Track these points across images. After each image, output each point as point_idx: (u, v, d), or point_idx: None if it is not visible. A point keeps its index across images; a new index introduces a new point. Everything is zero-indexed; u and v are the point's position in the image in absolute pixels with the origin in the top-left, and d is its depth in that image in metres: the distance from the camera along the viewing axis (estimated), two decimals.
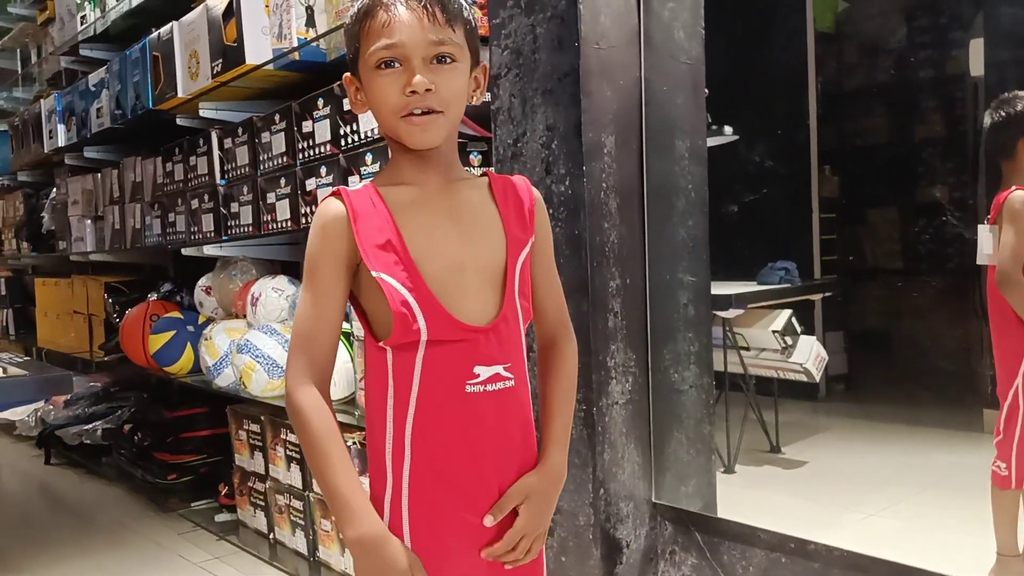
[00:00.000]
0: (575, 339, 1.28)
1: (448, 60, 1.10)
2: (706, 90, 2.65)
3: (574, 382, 1.27)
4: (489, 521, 1.15)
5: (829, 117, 4.68)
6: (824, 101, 4.63)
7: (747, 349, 3.74)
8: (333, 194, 1.14)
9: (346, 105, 2.39)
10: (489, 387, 1.12)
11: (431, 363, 1.10)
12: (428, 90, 1.08)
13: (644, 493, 2.26)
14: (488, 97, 2.22)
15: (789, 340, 3.62)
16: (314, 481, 2.63)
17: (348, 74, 1.18)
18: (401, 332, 1.09)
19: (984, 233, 2.37)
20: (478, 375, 1.11)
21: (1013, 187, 2.24)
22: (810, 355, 3.62)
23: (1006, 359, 2.36)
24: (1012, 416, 2.33)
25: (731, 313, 3.49)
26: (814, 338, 3.69)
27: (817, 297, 4.23)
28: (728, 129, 3.84)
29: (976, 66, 3.81)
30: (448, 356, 1.10)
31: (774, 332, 3.61)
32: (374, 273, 1.09)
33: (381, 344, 1.12)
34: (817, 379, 3.66)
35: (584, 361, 2.14)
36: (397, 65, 1.09)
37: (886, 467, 3.50)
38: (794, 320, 3.63)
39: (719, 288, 3.34)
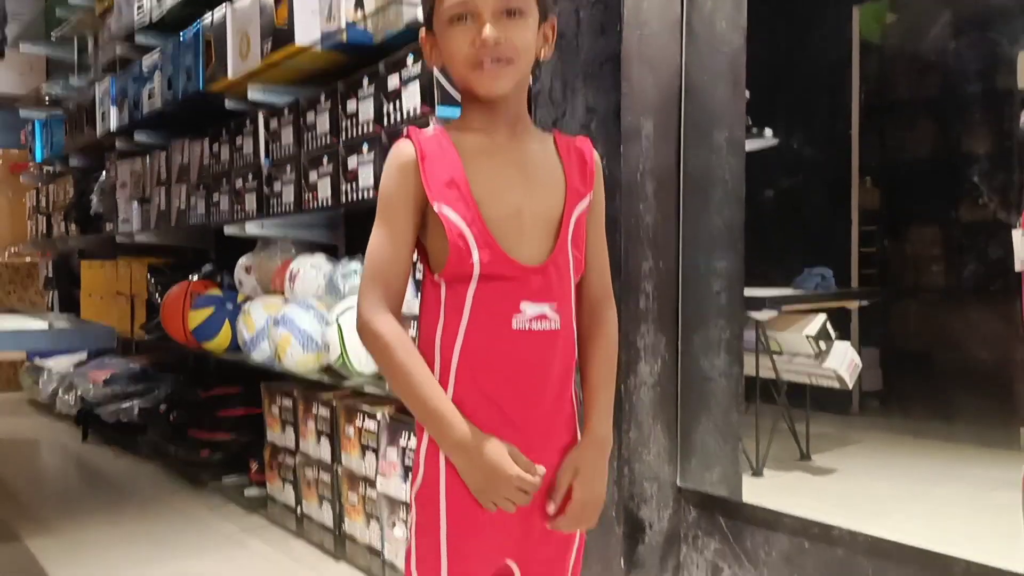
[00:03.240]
0: (615, 308, 1.30)
1: (517, 14, 1.15)
2: (747, 92, 2.68)
3: (615, 351, 1.28)
4: (551, 508, 1.18)
5: (871, 128, 4.66)
6: (867, 112, 4.61)
7: (780, 353, 3.71)
8: (405, 136, 1.19)
9: (391, 84, 2.45)
10: (535, 325, 1.15)
11: (481, 297, 1.14)
12: (497, 42, 1.13)
13: (669, 476, 2.26)
14: (530, 80, 2.26)
15: (823, 345, 3.59)
16: (342, 457, 2.68)
17: (423, 31, 1.24)
18: (456, 264, 1.13)
19: (1018, 238, 2.34)
20: (524, 312, 1.14)
21: None
22: (844, 361, 3.58)
23: None
24: None
25: (764, 315, 3.48)
26: (848, 344, 3.65)
27: (854, 305, 4.19)
28: (768, 132, 3.84)
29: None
30: (497, 292, 1.14)
31: (808, 336, 3.58)
32: (435, 206, 1.13)
33: (436, 278, 1.16)
34: (850, 386, 3.62)
35: None
36: (468, 19, 1.14)
37: (917, 480, 3.46)
38: (828, 325, 3.59)
39: (754, 292, 3.33)
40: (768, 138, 3.85)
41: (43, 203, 5.95)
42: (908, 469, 3.63)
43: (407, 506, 2.31)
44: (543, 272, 1.16)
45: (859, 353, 3.73)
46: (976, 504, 3.05)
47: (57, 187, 5.68)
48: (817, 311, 3.64)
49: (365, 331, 1.15)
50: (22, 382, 5.76)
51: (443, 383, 1.15)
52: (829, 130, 4.70)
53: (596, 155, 1.26)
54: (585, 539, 1.28)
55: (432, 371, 1.16)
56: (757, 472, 3.50)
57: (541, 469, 1.15)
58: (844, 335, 3.84)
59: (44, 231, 5.91)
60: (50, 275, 6.16)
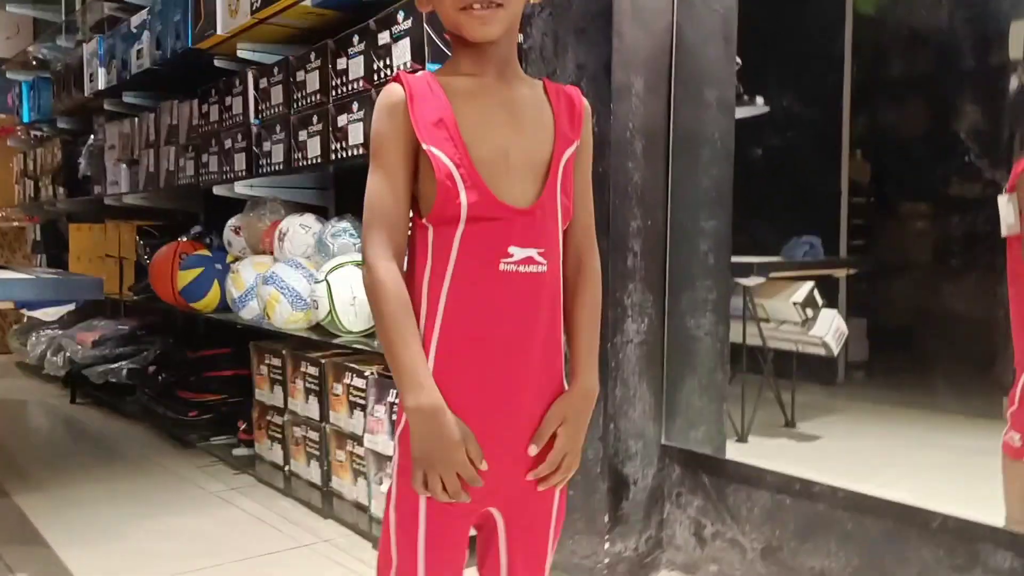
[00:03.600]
0: (599, 259, 1.29)
1: None
2: (738, 60, 2.67)
3: (599, 302, 1.28)
4: (533, 451, 1.18)
5: (863, 100, 4.65)
6: (859, 84, 4.60)
7: (767, 321, 3.73)
8: (394, 79, 1.19)
9: (381, 40, 2.43)
10: (522, 268, 1.15)
11: (468, 240, 1.14)
12: None
13: (654, 434, 2.28)
14: (521, 38, 2.25)
15: (810, 312, 3.61)
16: (330, 414, 2.69)
17: None
18: (443, 204, 1.13)
19: (1003, 203, 2.35)
20: (512, 255, 1.15)
21: None
22: (830, 328, 3.60)
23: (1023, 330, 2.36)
24: None
25: (752, 281, 3.49)
26: (835, 311, 3.68)
27: (841, 274, 4.21)
28: (760, 100, 3.83)
29: (1016, 48, 3.76)
30: (485, 234, 1.14)
31: (795, 303, 3.60)
32: (424, 146, 1.13)
33: (424, 222, 1.16)
34: (836, 353, 3.64)
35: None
36: None
37: (901, 446, 3.49)
38: (816, 293, 3.61)
39: (742, 260, 3.34)
40: (759, 106, 3.84)
41: (31, 167, 5.90)
42: (892, 436, 3.66)
43: None
44: (530, 215, 1.16)
45: (846, 324, 3.75)
46: (957, 469, 3.08)
47: (45, 150, 5.63)
48: (805, 279, 3.66)
49: (369, 274, 1.15)
50: (10, 344, 5.76)
51: (429, 327, 1.15)
52: (821, 101, 4.70)
53: (585, 102, 1.26)
54: (567, 491, 1.28)
55: (419, 315, 1.16)
56: (742, 438, 3.53)
57: (485, 466, 1.14)
58: (832, 306, 3.86)
59: (32, 195, 5.87)
60: (38, 239, 6.12)
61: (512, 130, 1.17)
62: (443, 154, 1.13)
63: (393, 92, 1.17)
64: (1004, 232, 2.33)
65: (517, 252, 1.15)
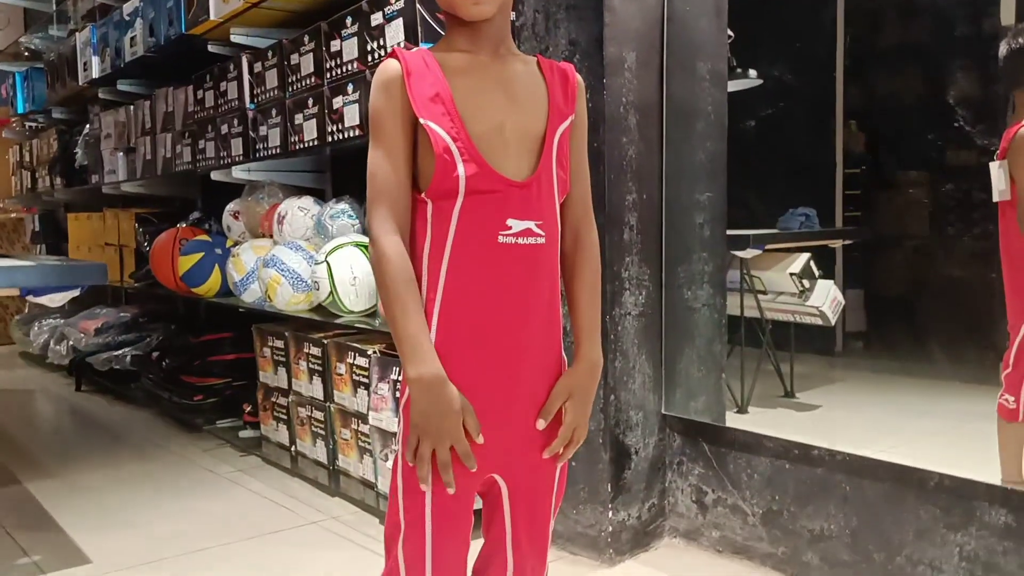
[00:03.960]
0: (596, 231, 1.31)
1: None
2: (730, 32, 2.68)
3: (599, 275, 1.30)
4: (541, 425, 1.21)
5: (856, 71, 4.65)
6: (852, 54, 4.61)
7: (764, 293, 3.76)
8: (390, 55, 1.21)
9: (374, 20, 2.44)
10: (521, 240, 1.17)
11: (467, 213, 1.16)
12: None
13: (654, 405, 2.32)
14: (512, 15, 2.26)
15: (806, 283, 3.63)
16: (334, 394, 2.72)
17: None
18: (442, 178, 1.15)
19: (995, 169, 2.37)
20: (510, 227, 1.17)
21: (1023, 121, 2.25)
22: (826, 298, 3.63)
23: (1017, 294, 2.38)
24: (1022, 350, 2.36)
25: (748, 253, 3.51)
26: (831, 282, 3.70)
27: (837, 244, 4.24)
28: (753, 73, 3.84)
29: (1008, 15, 3.77)
30: (483, 207, 1.16)
31: (791, 274, 3.63)
32: (422, 120, 1.15)
33: (424, 196, 1.17)
34: (833, 323, 3.67)
35: None
36: None
37: (899, 413, 3.52)
38: (812, 263, 3.64)
39: (738, 233, 3.36)
40: (752, 78, 3.86)
41: (27, 158, 5.91)
42: (890, 404, 3.69)
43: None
44: (527, 188, 1.17)
45: (843, 295, 3.78)
46: (955, 434, 3.12)
47: (41, 141, 5.64)
48: (801, 251, 3.68)
49: (374, 248, 1.17)
50: (12, 335, 5.79)
51: (431, 300, 1.17)
52: (814, 72, 4.70)
53: (579, 78, 1.27)
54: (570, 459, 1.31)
55: (421, 289, 1.18)
56: (742, 410, 3.56)
57: (481, 440, 1.16)
58: (828, 277, 3.89)
59: (29, 186, 5.88)
60: (37, 229, 6.14)
61: (507, 105, 1.19)
62: (440, 128, 1.15)
63: (389, 68, 1.18)
64: (996, 198, 2.36)
65: (515, 224, 1.16)
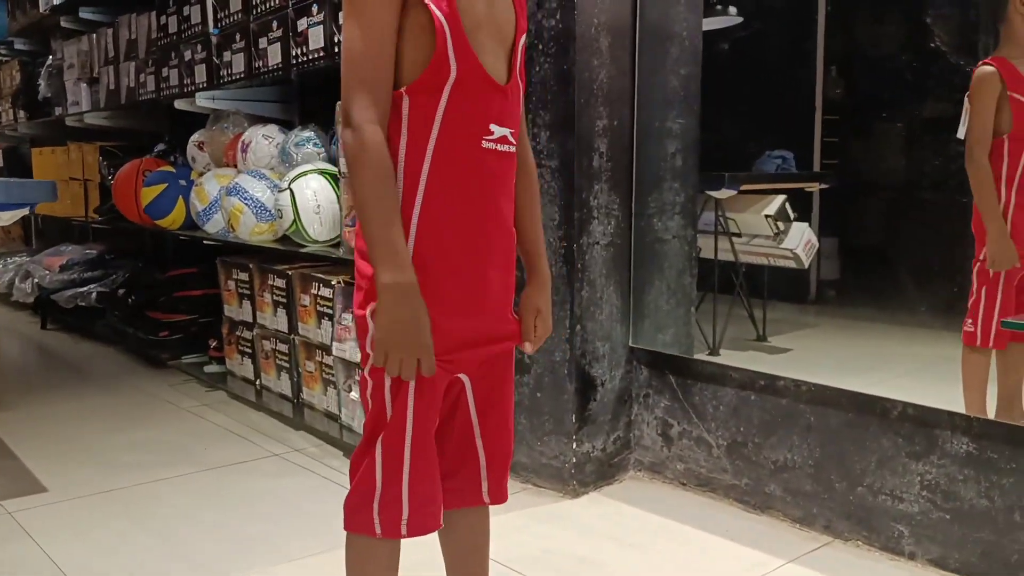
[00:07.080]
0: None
1: None
2: None
3: (539, 194, 1.32)
4: (528, 349, 1.27)
5: (839, 15, 4.58)
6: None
7: (739, 235, 3.73)
8: None
9: None
10: (500, 147, 1.14)
11: (452, 113, 1.10)
12: None
13: (621, 336, 2.29)
14: None
15: (781, 226, 3.60)
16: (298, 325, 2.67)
17: None
18: (435, 69, 1.07)
19: (966, 107, 2.38)
20: (492, 132, 1.13)
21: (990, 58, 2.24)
22: (800, 241, 3.60)
23: (980, 223, 2.41)
24: (979, 274, 2.39)
25: (724, 193, 3.47)
26: (806, 225, 3.67)
27: (814, 187, 4.20)
28: (733, 10, 3.76)
29: None
30: (468, 108, 1.10)
31: (767, 216, 3.59)
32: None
33: (403, 90, 1.09)
34: (806, 265, 3.65)
35: (566, 199, 2.15)
36: None
37: (869, 356, 3.52)
38: (788, 206, 3.61)
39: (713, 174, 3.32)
40: (732, 16, 3.78)
41: None
42: (860, 349, 3.70)
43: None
44: (504, 93, 1.14)
45: (819, 242, 3.75)
46: (924, 373, 3.12)
47: (3, 73, 5.47)
48: (777, 193, 3.65)
49: (355, 137, 1.07)
50: None
51: (408, 204, 1.11)
52: (795, 14, 4.62)
53: None
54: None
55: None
56: (714, 351, 3.55)
57: (433, 369, 1.12)
58: (803, 219, 3.86)
59: None
60: (1, 164, 5.99)
61: (487, 8, 1.14)
62: (439, 12, 1.07)
63: None
64: (959, 133, 2.37)
65: (496, 130, 1.14)
